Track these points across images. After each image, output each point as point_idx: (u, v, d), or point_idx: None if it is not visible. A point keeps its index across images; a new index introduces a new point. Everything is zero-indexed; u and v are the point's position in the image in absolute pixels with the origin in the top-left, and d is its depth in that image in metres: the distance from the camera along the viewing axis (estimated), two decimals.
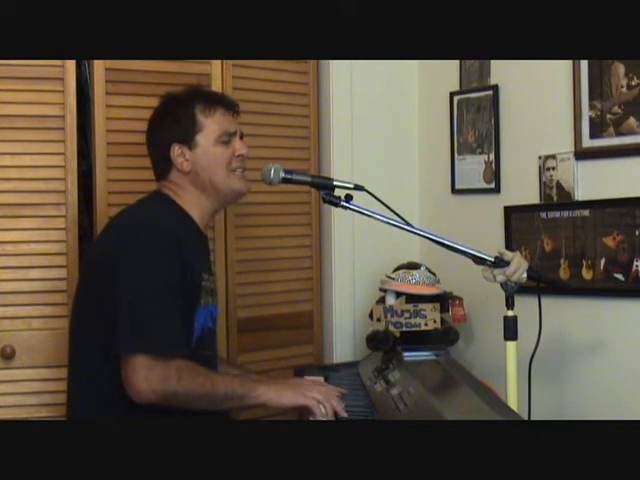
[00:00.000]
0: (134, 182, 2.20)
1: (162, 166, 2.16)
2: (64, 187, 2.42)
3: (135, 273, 1.96)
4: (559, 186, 2.55)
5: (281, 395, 2.03)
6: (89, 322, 2.03)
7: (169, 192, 2.15)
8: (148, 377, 1.91)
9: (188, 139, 2.12)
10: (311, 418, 2.02)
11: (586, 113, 2.46)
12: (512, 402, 2.03)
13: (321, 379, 2.35)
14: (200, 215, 2.15)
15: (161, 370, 1.92)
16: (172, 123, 2.13)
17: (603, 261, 2.43)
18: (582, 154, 2.48)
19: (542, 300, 2.11)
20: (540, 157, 2.60)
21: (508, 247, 2.62)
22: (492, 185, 2.77)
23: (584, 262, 2.48)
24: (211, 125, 2.13)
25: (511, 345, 2.06)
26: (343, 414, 2.04)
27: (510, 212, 2.70)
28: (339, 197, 2.09)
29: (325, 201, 2.10)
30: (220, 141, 2.13)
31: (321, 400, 2.04)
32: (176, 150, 2.12)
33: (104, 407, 2.00)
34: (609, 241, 2.42)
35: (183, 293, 2.01)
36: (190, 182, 2.13)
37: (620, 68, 2.38)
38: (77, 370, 2.08)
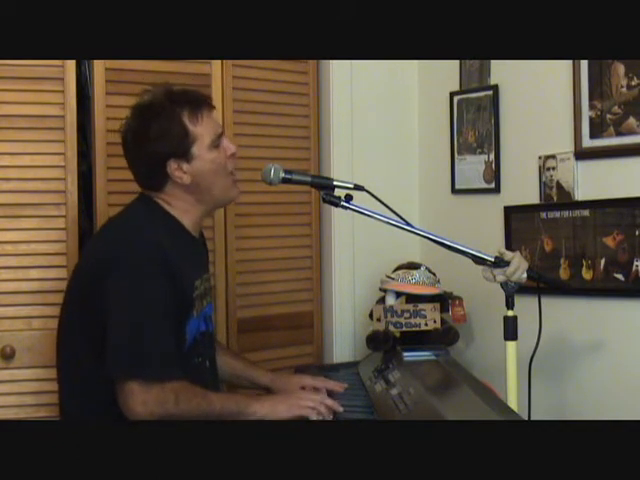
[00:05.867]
0: (134, 182, 2.19)
1: (155, 180, 2.09)
2: (64, 187, 2.42)
3: (124, 292, 1.93)
4: (559, 186, 2.54)
5: (276, 409, 2.02)
6: (79, 334, 2.02)
7: (159, 200, 2.10)
8: (145, 400, 1.89)
9: (184, 153, 2.05)
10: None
11: (586, 113, 2.46)
12: (512, 402, 2.03)
13: (322, 378, 2.34)
14: (190, 222, 2.12)
15: (158, 393, 1.90)
16: (162, 137, 2.03)
17: (603, 261, 2.43)
18: (582, 154, 2.48)
19: (542, 300, 2.11)
20: (540, 157, 2.60)
21: (508, 247, 2.62)
22: (492, 185, 2.77)
23: (584, 262, 2.48)
24: (202, 133, 2.06)
25: (511, 345, 2.06)
26: (339, 409, 2.08)
27: (510, 212, 2.69)
28: (339, 197, 2.09)
29: (325, 201, 2.10)
30: (213, 146, 2.09)
31: (315, 406, 2.05)
32: (172, 165, 2.05)
33: (97, 410, 2.00)
34: (609, 241, 2.42)
35: (173, 307, 1.98)
36: (187, 192, 2.09)
37: (620, 68, 2.38)
38: (67, 374, 2.08)
